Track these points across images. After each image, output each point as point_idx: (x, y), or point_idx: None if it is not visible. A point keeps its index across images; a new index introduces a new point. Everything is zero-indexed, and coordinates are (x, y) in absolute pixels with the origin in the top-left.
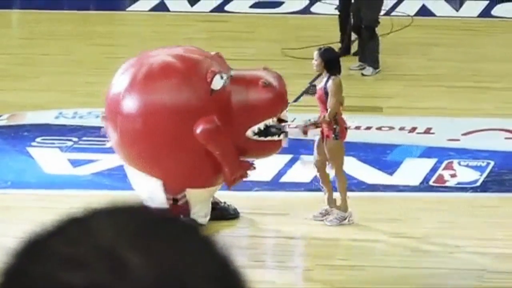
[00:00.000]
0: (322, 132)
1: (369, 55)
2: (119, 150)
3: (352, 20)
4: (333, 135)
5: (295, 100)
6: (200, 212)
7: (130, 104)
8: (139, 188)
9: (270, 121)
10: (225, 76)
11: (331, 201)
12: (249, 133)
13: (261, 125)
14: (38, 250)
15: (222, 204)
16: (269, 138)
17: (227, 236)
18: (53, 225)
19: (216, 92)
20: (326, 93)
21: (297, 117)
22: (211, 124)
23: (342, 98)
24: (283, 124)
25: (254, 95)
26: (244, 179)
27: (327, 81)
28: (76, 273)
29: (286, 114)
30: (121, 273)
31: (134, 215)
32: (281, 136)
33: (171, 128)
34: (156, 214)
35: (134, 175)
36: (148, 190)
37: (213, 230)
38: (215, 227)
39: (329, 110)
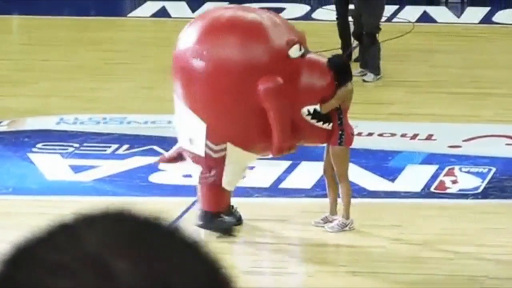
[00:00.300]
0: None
1: (371, 62)
2: (176, 85)
3: (353, 26)
4: (338, 141)
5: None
6: (229, 175)
7: (205, 48)
8: (182, 126)
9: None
10: (303, 49)
11: (334, 210)
12: (304, 111)
13: (317, 106)
14: (25, 257)
15: (233, 210)
16: (319, 123)
17: (227, 242)
18: (41, 232)
19: (290, 60)
20: None
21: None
22: (276, 84)
23: (348, 104)
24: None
25: (319, 80)
26: (289, 152)
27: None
28: (63, 280)
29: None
30: (107, 279)
31: (121, 222)
32: (329, 126)
33: (236, 78)
34: (143, 220)
35: (183, 111)
36: (191, 131)
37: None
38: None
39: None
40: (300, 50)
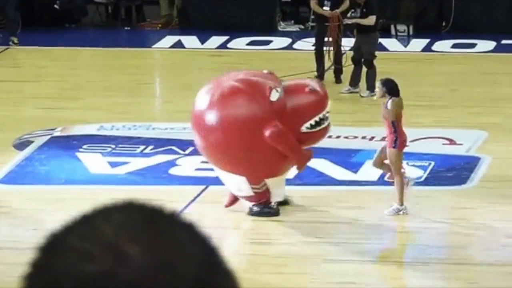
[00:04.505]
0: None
1: (368, 81)
2: (205, 156)
3: (353, 54)
4: (393, 145)
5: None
6: (276, 193)
7: (210, 120)
8: (228, 183)
9: (320, 116)
10: (279, 89)
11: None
12: (303, 128)
13: (312, 121)
14: (56, 245)
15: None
16: (318, 128)
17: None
18: (67, 223)
19: (275, 103)
20: (387, 109)
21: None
22: (276, 128)
23: (401, 113)
24: (327, 114)
25: (303, 99)
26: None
27: (387, 101)
28: (87, 263)
29: (329, 106)
30: (123, 261)
31: (132, 212)
32: (327, 123)
33: (244, 136)
34: (150, 210)
35: (222, 174)
36: (236, 185)
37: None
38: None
39: (389, 118)
40: (277, 91)
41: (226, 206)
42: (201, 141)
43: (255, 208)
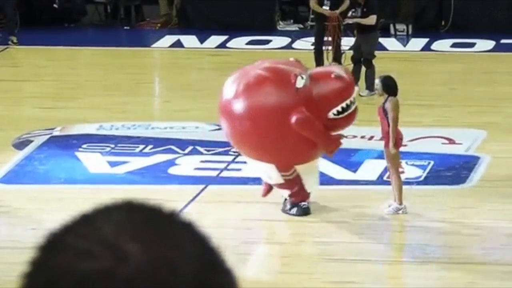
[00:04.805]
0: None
1: (367, 81)
2: (234, 145)
3: (352, 53)
4: (389, 144)
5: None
6: (309, 181)
7: (237, 109)
8: (257, 171)
9: (347, 102)
10: (305, 76)
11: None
12: (330, 115)
13: (339, 108)
14: (56, 244)
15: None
16: (345, 113)
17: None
18: (67, 222)
19: (301, 89)
20: (384, 110)
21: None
22: (302, 114)
23: (397, 113)
24: (353, 99)
25: (329, 86)
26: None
27: (385, 101)
28: (86, 262)
29: (355, 92)
30: (122, 260)
31: (131, 212)
32: (353, 108)
33: (271, 123)
34: (149, 209)
35: (251, 162)
36: (265, 172)
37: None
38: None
39: (391, 124)
40: (303, 78)
41: (263, 196)
42: (229, 130)
43: (291, 208)
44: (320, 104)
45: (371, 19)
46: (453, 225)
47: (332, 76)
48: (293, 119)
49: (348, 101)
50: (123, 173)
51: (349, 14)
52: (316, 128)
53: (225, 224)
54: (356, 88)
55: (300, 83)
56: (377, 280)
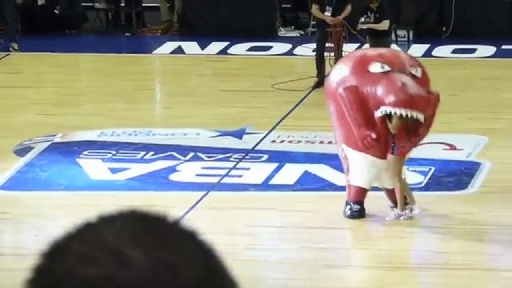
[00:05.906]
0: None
1: None
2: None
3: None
4: (391, 151)
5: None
6: (357, 175)
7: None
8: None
9: (396, 111)
10: (385, 66)
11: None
12: (378, 112)
13: (387, 110)
14: (59, 251)
15: None
16: (389, 123)
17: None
18: (71, 229)
19: (370, 73)
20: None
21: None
22: (350, 89)
23: (398, 121)
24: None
25: (390, 88)
26: None
27: None
28: (89, 268)
29: (417, 116)
30: (124, 266)
31: (134, 219)
32: (406, 121)
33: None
34: (151, 217)
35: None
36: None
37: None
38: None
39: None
40: (382, 68)
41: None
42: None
43: (348, 210)
44: (376, 97)
45: (385, 24)
46: (454, 231)
47: (399, 84)
48: (340, 89)
49: (397, 111)
50: (124, 180)
51: (362, 19)
52: (352, 107)
53: (226, 230)
54: (415, 108)
55: (373, 68)
56: (378, 286)
